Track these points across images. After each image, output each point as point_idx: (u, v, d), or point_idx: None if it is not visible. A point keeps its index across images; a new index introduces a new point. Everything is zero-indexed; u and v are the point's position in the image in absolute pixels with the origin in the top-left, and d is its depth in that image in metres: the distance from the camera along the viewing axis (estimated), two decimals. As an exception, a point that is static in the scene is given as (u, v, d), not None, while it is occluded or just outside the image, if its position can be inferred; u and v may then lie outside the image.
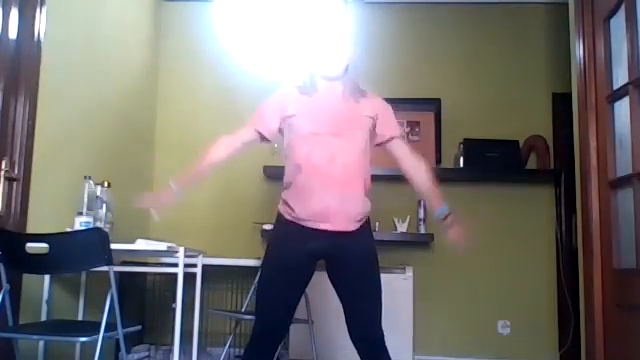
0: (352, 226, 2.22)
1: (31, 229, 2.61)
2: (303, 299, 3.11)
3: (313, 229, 2.19)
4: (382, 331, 2.24)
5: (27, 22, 2.67)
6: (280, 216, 2.31)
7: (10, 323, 2.26)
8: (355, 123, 2.28)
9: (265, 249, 2.34)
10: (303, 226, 2.21)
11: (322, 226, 2.19)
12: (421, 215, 3.99)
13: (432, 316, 4.00)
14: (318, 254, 2.25)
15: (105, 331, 2.10)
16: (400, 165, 2.41)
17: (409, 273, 3.77)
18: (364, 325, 2.23)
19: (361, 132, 2.27)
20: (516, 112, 4.21)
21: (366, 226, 2.30)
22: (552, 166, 4.07)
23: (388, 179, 4.04)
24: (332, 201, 2.19)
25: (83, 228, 2.73)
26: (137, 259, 3.44)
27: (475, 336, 4.00)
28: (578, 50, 3.04)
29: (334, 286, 2.29)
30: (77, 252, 2.17)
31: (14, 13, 2.62)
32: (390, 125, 2.39)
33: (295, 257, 2.22)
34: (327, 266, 2.30)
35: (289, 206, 2.25)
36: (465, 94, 4.26)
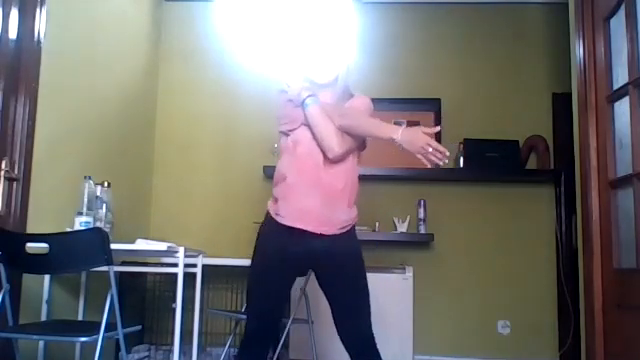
0: (333, 230, 2.22)
1: (31, 229, 2.61)
2: (303, 299, 3.12)
3: (292, 227, 2.20)
4: (372, 332, 2.24)
5: (27, 22, 2.67)
6: (267, 214, 2.31)
7: (10, 323, 2.26)
8: None
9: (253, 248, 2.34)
10: (283, 224, 2.22)
11: (298, 224, 2.19)
12: (421, 215, 3.99)
13: (432, 316, 4.01)
14: (302, 255, 2.24)
15: (105, 331, 2.09)
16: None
17: (409, 273, 3.77)
18: (350, 327, 2.23)
19: (348, 138, 2.26)
20: (516, 112, 4.22)
21: (352, 231, 2.30)
22: (552, 166, 4.07)
23: (388, 179, 4.06)
24: (314, 203, 2.20)
25: (83, 228, 2.73)
26: (137, 259, 3.44)
27: (475, 336, 4.00)
28: (578, 50, 3.04)
29: (322, 289, 2.29)
30: (77, 252, 2.17)
31: (14, 13, 2.62)
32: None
33: (278, 256, 2.23)
34: (316, 271, 2.31)
35: (275, 200, 2.27)
36: (465, 94, 4.26)
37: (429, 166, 2.13)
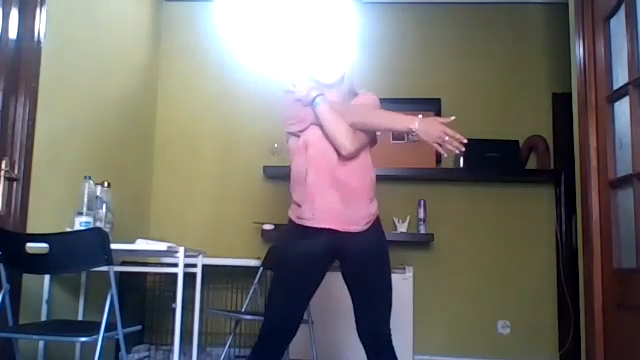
0: (358, 227, 2.23)
1: (31, 229, 2.61)
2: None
3: (318, 228, 2.21)
4: (389, 330, 2.26)
5: (27, 22, 2.67)
6: (290, 220, 2.32)
7: (10, 323, 2.26)
8: None
9: (270, 250, 2.34)
10: (309, 227, 2.22)
11: (324, 224, 2.20)
12: (421, 215, 3.99)
13: (432, 316, 4.00)
14: (328, 254, 2.26)
15: (105, 331, 2.09)
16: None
17: (409, 273, 3.77)
18: (372, 324, 2.24)
19: (360, 134, 2.27)
20: (516, 112, 4.22)
21: (376, 226, 2.30)
22: (552, 166, 4.07)
23: (388, 179, 4.05)
24: (335, 202, 2.21)
25: (83, 228, 2.73)
26: (137, 259, 3.44)
27: (475, 336, 4.00)
28: (578, 50, 3.04)
29: (346, 285, 2.30)
30: (77, 252, 2.17)
31: (14, 13, 2.62)
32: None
33: (306, 258, 2.23)
34: (340, 266, 2.31)
35: (297, 205, 2.27)
36: (465, 94, 4.26)
37: (445, 155, 2.17)
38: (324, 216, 2.21)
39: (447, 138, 2.10)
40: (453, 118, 2.18)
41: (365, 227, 2.25)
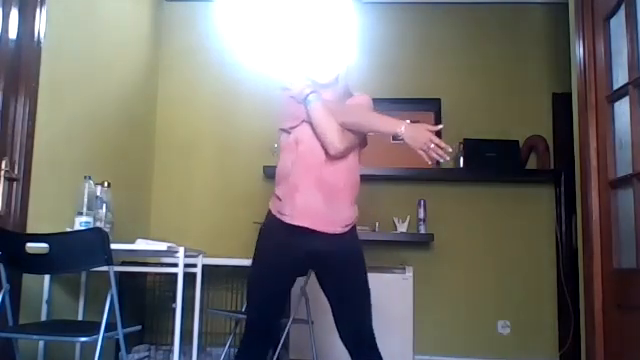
0: (337, 229, 2.23)
1: (31, 229, 2.61)
2: (303, 299, 3.12)
3: (296, 226, 2.20)
4: (372, 331, 2.24)
5: (27, 22, 2.67)
6: (269, 213, 2.32)
7: (10, 323, 2.26)
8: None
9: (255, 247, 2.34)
10: (287, 223, 2.21)
11: (300, 222, 2.19)
12: (421, 215, 3.99)
13: (432, 316, 4.00)
14: (305, 255, 2.24)
15: (105, 331, 2.09)
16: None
17: (409, 273, 3.77)
18: (352, 326, 2.24)
19: (349, 134, 2.27)
20: (516, 112, 4.22)
21: (353, 230, 2.30)
22: (552, 166, 4.07)
23: (388, 179, 4.06)
24: (318, 202, 2.21)
25: (83, 228, 2.73)
26: (137, 259, 3.44)
27: (475, 336, 4.00)
28: (578, 50, 3.04)
29: (322, 288, 2.30)
30: (77, 252, 2.17)
31: (14, 13, 2.62)
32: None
33: (283, 258, 2.23)
34: (316, 268, 2.31)
35: (278, 199, 2.27)
36: (465, 94, 4.26)
37: (430, 163, 2.15)
38: (301, 214, 2.20)
39: (432, 146, 2.09)
40: (441, 126, 2.19)
41: (345, 229, 2.24)
